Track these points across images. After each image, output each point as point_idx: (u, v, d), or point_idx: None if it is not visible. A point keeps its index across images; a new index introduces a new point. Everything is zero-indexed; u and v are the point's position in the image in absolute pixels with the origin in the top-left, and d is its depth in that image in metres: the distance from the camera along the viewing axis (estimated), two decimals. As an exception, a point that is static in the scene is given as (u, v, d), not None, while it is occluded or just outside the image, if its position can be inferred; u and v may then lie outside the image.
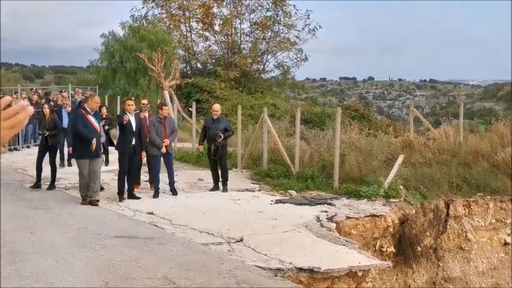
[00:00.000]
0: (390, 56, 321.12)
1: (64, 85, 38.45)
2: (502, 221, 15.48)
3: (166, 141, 14.11)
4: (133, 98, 17.88)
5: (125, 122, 13.36)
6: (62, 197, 13.99)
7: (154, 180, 14.49)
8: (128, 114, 13.59)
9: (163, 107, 14.94)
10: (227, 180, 15.31)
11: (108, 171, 16.83)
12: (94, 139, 12.82)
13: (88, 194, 12.99)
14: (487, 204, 15.12)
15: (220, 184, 15.29)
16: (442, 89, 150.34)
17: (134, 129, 13.58)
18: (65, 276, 7.60)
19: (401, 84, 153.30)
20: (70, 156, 13.62)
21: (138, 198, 13.71)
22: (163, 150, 14.12)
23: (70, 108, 19.33)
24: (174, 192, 14.34)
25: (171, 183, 14.43)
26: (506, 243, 15.40)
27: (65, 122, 17.16)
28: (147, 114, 15.11)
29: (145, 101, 16.22)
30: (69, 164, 18.27)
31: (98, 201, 13.01)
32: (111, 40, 37.89)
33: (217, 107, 15.86)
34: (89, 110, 13.07)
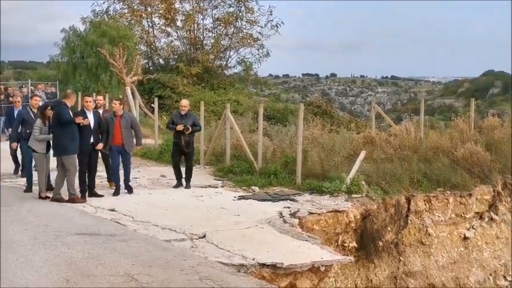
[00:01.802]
0: (352, 53, 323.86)
1: (24, 81, 37.89)
2: (461, 215, 15.75)
3: (99, 146, 13.59)
4: (93, 94, 17.65)
5: (81, 124, 13.00)
6: (21, 194, 13.79)
7: (113, 178, 14.36)
8: (86, 111, 13.33)
9: (113, 101, 14.80)
10: (191, 177, 15.27)
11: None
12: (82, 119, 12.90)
13: (55, 191, 12.93)
14: (447, 199, 15.36)
15: (183, 181, 15.24)
16: (403, 86, 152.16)
17: (92, 127, 13.38)
18: (24, 274, 7.51)
19: (363, 81, 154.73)
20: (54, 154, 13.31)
21: (101, 195, 13.58)
22: (99, 146, 13.67)
23: (20, 106, 18.91)
24: (128, 190, 14.15)
25: (126, 180, 14.24)
26: (465, 238, 15.67)
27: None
28: (101, 111, 14.89)
29: (100, 97, 16.02)
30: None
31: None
32: (71, 35, 37.41)
33: (185, 102, 15.77)
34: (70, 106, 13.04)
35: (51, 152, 13.10)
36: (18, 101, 19.81)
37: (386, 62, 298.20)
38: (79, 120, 12.81)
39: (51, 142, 13.01)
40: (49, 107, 13.32)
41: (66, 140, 12.67)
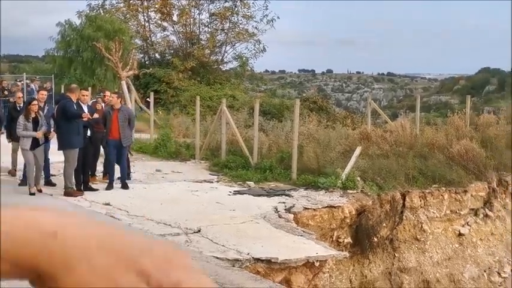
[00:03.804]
0: (348, 49, 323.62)
1: (19, 74, 37.81)
2: (456, 212, 15.76)
3: (39, 134, 12.81)
4: (89, 88, 17.64)
5: (85, 118, 12.97)
6: (13, 188, 13.74)
7: (108, 172, 14.35)
8: (81, 104, 13.31)
9: (111, 94, 14.81)
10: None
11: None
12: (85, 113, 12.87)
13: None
14: (442, 195, 15.36)
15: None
16: (399, 82, 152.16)
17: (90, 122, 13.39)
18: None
19: (360, 77, 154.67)
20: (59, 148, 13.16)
21: (95, 190, 13.57)
22: (85, 118, 13.37)
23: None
24: (123, 186, 14.12)
25: (122, 177, 14.22)
26: (460, 234, 15.68)
27: None
28: (103, 105, 14.95)
29: (109, 93, 15.99)
30: None
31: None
32: (67, 29, 37.35)
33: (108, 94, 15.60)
34: (75, 101, 12.98)
35: (43, 147, 13.01)
36: (20, 97, 19.63)
37: (383, 59, 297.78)
38: (86, 116, 12.83)
39: (41, 138, 12.87)
40: (33, 102, 13.24)
41: (72, 134, 12.72)
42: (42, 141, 12.95)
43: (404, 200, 14.64)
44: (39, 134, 12.78)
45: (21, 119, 12.82)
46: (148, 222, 10.63)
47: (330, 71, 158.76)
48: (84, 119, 12.89)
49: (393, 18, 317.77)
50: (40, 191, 13.13)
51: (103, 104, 15.02)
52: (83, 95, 13.50)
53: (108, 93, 16.06)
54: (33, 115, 12.78)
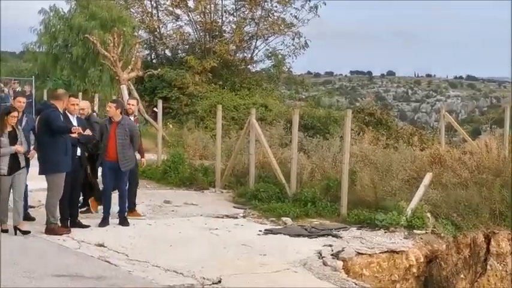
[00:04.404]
0: (415, 44, 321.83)
1: (-11, 76, 38.21)
2: (557, 260, 15.56)
3: (20, 149, 12.59)
4: (79, 94, 17.74)
5: (76, 134, 12.97)
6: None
7: (103, 203, 14.34)
8: (69, 115, 13.29)
9: (108, 103, 14.84)
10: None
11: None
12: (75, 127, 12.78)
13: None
14: (538, 238, 15.20)
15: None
16: (482, 89, 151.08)
17: (79, 138, 13.40)
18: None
19: (430, 82, 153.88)
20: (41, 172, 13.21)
21: (86, 226, 13.62)
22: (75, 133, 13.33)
23: None
24: (123, 222, 14.14)
25: (121, 211, 14.25)
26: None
27: None
28: (132, 118, 15.13)
29: (133, 101, 16.09)
30: None
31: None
32: (52, 17, 37.78)
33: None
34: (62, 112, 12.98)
35: (24, 171, 12.93)
36: None
37: (461, 57, 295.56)
38: (76, 130, 12.74)
39: (22, 158, 12.82)
40: (11, 112, 13.06)
41: (58, 153, 12.61)
42: (23, 163, 12.88)
43: (488, 243, 14.51)
44: (20, 149, 12.55)
45: None
46: (154, 270, 10.64)
47: (391, 73, 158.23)
48: (74, 135, 12.85)
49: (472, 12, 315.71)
50: (17, 229, 12.70)
51: (132, 118, 15.17)
52: (72, 104, 13.45)
53: (133, 101, 16.16)
54: (9, 128, 12.57)
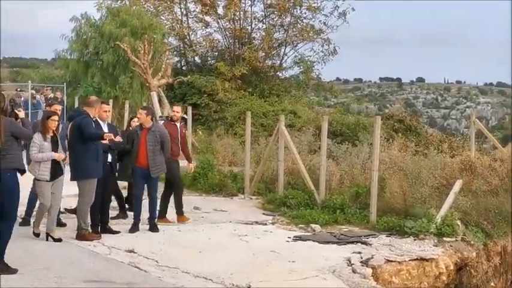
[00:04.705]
0: (445, 50, 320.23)
1: (22, 83, 38.45)
2: None
3: (61, 156, 12.65)
4: (110, 101, 17.82)
5: (107, 140, 13.00)
6: (15, 230, 13.96)
7: (134, 210, 14.37)
8: (100, 122, 13.35)
9: (138, 110, 14.81)
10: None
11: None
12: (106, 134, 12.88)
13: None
14: None
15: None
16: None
17: (111, 145, 13.46)
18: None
19: (460, 88, 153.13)
20: (73, 178, 13.27)
21: (116, 232, 13.66)
22: (106, 140, 13.37)
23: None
24: (152, 228, 14.20)
25: (151, 217, 14.29)
26: None
27: None
28: (178, 125, 15.36)
29: (178, 108, 16.13)
30: None
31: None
32: (83, 25, 37.97)
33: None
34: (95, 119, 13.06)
35: (62, 178, 12.91)
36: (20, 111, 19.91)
37: (491, 64, 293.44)
38: (109, 137, 12.82)
39: (63, 163, 12.89)
40: (53, 116, 13.14)
41: (89, 160, 12.69)
42: (63, 169, 12.78)
43: (519, 251, 14.39)
44: (61, 155, 12.55)
45: (36, 138, 12.32)
46: (184, 276, 10.66)
47: (421, 80, 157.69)
48: (105, 141, 12.93)
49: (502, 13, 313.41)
50: (49, 236, 12.71)
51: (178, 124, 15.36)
52: (104, 111, 13.52)
53: (178, 108, 16.22)
54: (51, 133, 12.58)
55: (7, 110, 10.32)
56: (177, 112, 15.78)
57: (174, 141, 15.08)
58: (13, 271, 10.04)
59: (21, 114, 11.08)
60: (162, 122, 16.17)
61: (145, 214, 14.24)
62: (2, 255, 10.14)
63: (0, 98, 10.29)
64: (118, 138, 13.25)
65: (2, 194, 9.95)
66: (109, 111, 13.76)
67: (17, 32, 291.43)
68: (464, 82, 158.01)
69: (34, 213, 13.54)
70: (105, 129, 13.31)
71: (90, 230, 13.12)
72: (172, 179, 15.27)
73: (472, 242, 14.01)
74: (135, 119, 16.05)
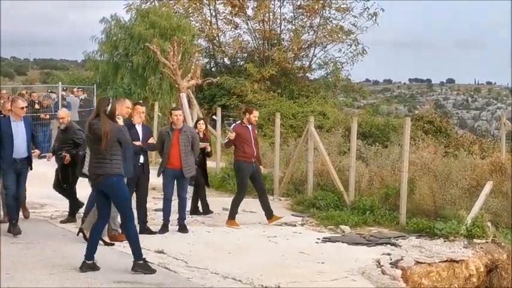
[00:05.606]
0: (475, 52, 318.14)
1: (53, 84, 38.63)
2: None
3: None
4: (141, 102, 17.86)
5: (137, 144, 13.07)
6: (46, 229, 14.05)
7: (163, 211, 14.42)
8: (135, 123, 13.37)
9: (173, 112, 14.66)
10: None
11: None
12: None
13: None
14: None
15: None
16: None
17: (143, 147, 13.50)
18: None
19: (491, 89, 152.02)
20: None
21: (154, 232, 13.69)
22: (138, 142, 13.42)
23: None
24: (182, 229, 14.24)
25: (180, 218, 14.34)
26: None
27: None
28: (250, 127, 15.38)
29: (256, 113, 16.05)
30: None
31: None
32: (113, 27, 38.14)
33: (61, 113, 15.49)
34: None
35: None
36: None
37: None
38: (138, 144, 12.98)
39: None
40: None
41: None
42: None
43: (551, 253, 14.27)
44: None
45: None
46: (213, 277, 10.68)
47: (451, 81, 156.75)
48: (138, 143, 12.94)
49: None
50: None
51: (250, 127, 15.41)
52: (138, 112, 13.54)
53: (256, 112, 16.21)
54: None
55: (114, 114, 10.51)
56: (255, 117, 15.64)
57: (248, 143, 15.16)
58: (152, 271, 10.61)
59: (120, 121, 11.17)
60: (233, 125, 16.23)
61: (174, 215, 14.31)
62: (140, 256, 10.59)
63: (103, 102, 10.49)
64: (151, 140, 13.33)
65: (113, 197, 10.57)
66: (143, 112, 13.72)
67: (48, 35, 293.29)
68: (495, 83, 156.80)
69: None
70: (140, 130, 13.40)
71: (120, 231, 13.17)
72: (239, 181, 15.54)
73: (502, 244, 13.91)
74: (201, 121, 16.30)
